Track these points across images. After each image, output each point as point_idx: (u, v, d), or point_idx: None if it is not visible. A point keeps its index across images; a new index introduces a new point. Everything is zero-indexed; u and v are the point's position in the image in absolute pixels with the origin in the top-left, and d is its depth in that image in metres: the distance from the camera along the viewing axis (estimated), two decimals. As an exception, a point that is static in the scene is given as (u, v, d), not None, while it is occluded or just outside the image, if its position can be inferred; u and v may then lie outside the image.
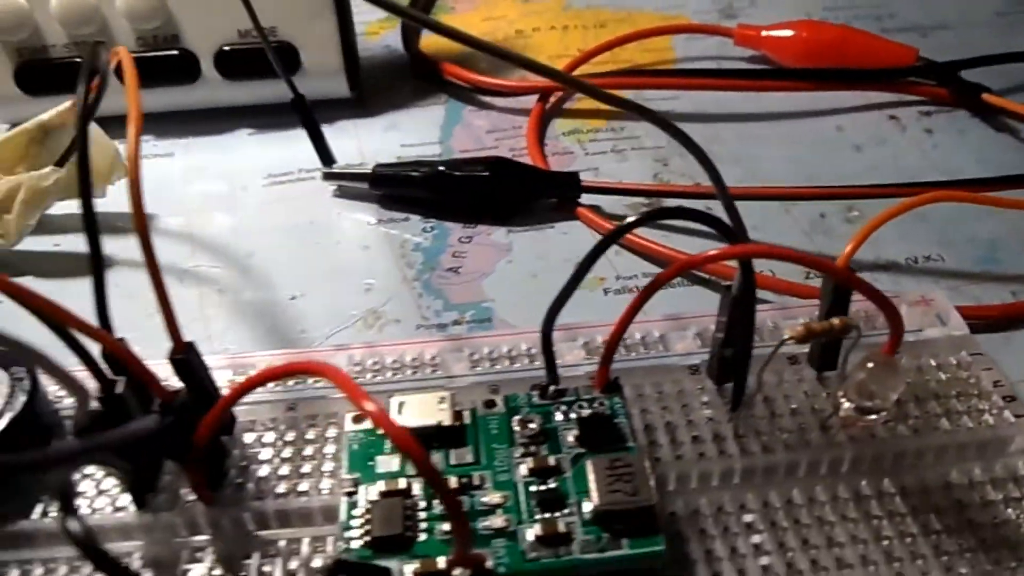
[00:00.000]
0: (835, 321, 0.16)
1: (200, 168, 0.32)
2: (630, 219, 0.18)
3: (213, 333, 0.25)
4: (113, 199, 0.28)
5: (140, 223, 0.17)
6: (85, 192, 0.17)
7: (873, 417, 0.17)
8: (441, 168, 0.28)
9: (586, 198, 0.28)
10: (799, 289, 0.24)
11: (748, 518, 0.17)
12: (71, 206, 0.29)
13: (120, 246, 0.28)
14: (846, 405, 0.17)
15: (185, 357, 0.18)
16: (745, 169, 0.30)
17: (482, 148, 0.32)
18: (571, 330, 0.22)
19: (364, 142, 0.33)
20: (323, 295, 0.26)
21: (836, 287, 0.18)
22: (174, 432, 0.17)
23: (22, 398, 0.19)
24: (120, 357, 0.17)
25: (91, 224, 0.17)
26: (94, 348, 0.17)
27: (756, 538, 0.17)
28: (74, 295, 0.24)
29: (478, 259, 0.27)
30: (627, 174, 0.30)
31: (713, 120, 0.32)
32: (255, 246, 0.28)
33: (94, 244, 0.17)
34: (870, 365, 0.16)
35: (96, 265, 0.17)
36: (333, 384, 0.14)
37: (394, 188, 0.29)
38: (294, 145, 0.32)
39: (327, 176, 0.30)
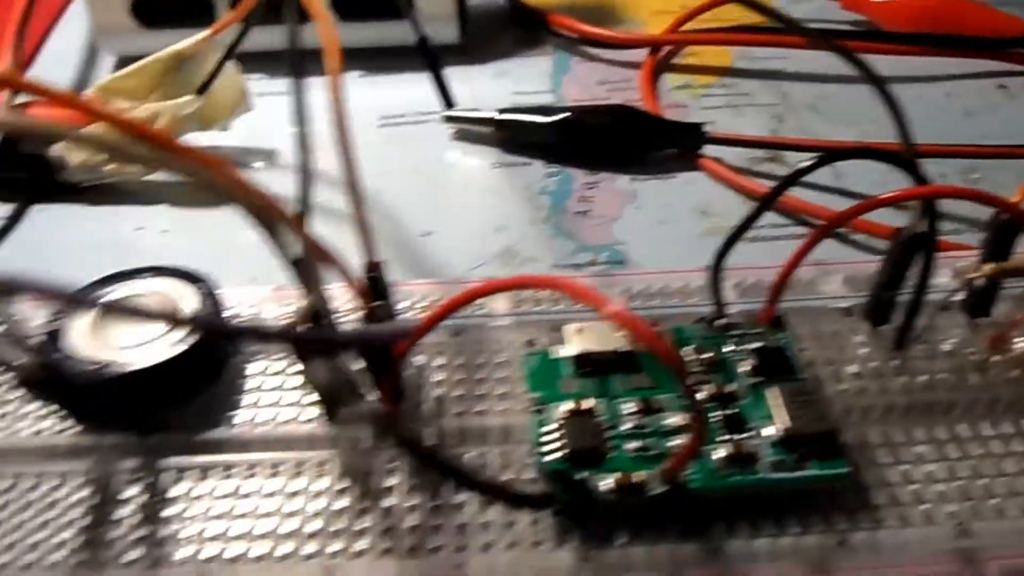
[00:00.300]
0: (1024, 260, 0.17)
1: (313, 107, 0.32)
2: (807, 163, 0.19)
3: (353, 266, 0.25)
4: (234, 134, 0.29)
5: (345, 148, 0.18)
6: (300, 120, 0.18)
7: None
8: (568, 115, 0.28)
9: (707, 150, 0.29)
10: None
11: (918, 449, 0.18)
12: (197, 137, 0.29)
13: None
14: (1020, 344, 0.18)
15: (379, 275, 0.19)
16: (859, 130, 0.30)
17: (594, 99, 0.32)
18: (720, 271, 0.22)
19: (475, 88, 0.33)
20: (454, 233, 0.27)
21: (1004, 227, 0.19)
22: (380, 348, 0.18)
23: (211, 310, 0.20)
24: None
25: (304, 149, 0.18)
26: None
27: (928, 467, 0.18)
28: (208, 225, 0.24)
29: (605, 204, 0.27)
30: (743, 129, 0.30)
31: (821, 81, 0.33)
32: (378, 185, 0.28)
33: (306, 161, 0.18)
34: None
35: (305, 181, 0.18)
36: (568, 294, 0.15)
37: (518, 133, 0.29)
38: (405, 88, 0.33)
39: (449, 119, 0.30)
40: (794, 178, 0.19)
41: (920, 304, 0.19)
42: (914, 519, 0.17)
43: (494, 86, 0.33)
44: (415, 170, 0.29)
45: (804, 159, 0.29)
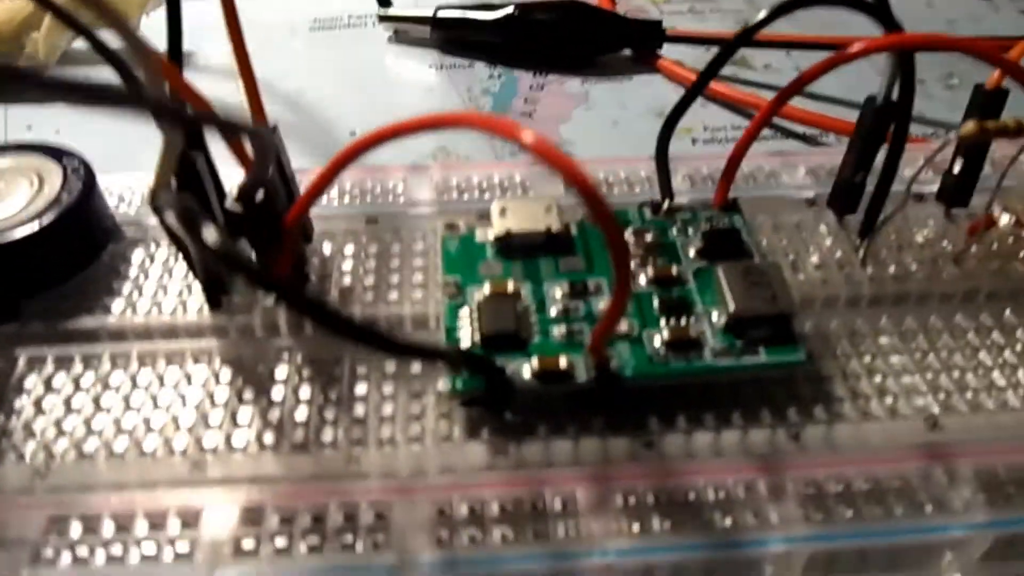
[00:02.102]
0: (1010, 120, 0.15)
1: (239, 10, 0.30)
2: (762, 16, 0.17)
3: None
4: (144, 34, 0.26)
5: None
6: None
7: (1034, 231, 0.16)
8: (512, 11, 0.26)
9: (666, 52, 0.26)
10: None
11: (884, 341, 0.16)
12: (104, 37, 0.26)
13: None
14: (1005, 219, 0.16)
15: (265, 135, 0.16)
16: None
17: None
18: (672, 161, 0.20)
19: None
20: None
21: (990, 93, 0.17)
22: (264, 212, 0.15)
23: (78, 188, 0.17)
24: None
25: None
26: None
27: (895, 359, 0.16)
28: (106, 130, 0.21)
29: (552, 106, 0.25)
30: (706, 34, 0.28)
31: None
32: (306, 87, 0.26)
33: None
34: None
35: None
36: (478, 128, 0.13)
37: (458, 32, 0.27)
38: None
39: (383, 19, 0.28)
40: (748, 35, 0.17)
41: (891, 179, 0.17)
42: (877, 413, 0.15)
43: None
44: (347, 74, 0.27)
45: (772, 61, 0.27)
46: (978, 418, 0.15)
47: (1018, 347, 0.16)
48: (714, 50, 0.26)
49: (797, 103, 0.24)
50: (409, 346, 0.13)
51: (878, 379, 0.15)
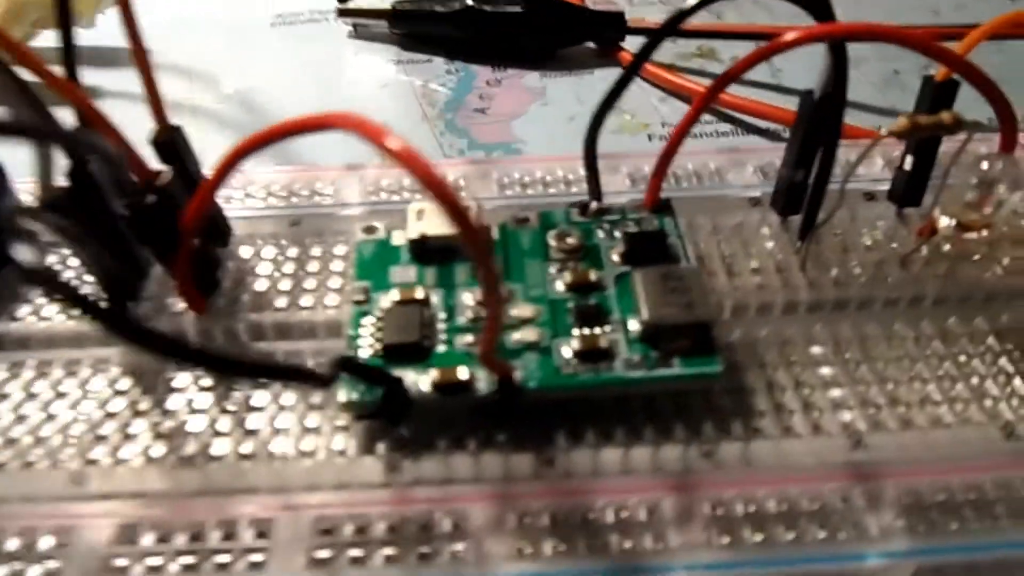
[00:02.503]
0: (945, 115, 0.14)
1: (200, 4, 0.29)
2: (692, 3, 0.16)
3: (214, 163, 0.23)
4: (101, 32, 0.26)
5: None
6: None
7: (975, 235, 0.15)
8: (470, 3, 0.25)
9: (630, 45, 0.25)
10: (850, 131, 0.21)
11: (816, 351, 0.15)
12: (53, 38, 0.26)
13: (108, 79, 0.26)
14: (945, 222, 0.15)
15: (170, 139, 0.16)
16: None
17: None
18: (614, 159, 0.19)
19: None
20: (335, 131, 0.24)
21: (939, 85, 0.15)
22: (159, 216, 0.14)
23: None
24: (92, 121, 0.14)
25: None
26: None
27: (825, 370, 0.15)
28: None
29: (508, 101, 0.24)
30: (675, 26, 0.27)
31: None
32: (263, 83, 0.25)
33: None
34: (988, 165, 0.14)
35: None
36: (353, 132, 0.12)
37: (416, 26, 0.26)
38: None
39: (342, 13, 0.27)
40: (676, 21, 0.16)
41: (826, 177, 0.16)
42: (799, 429, 0.14)
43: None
44: (303, 68, 0.26)
45: (740, 53, 0.26)
46: (907, 436, 0.14)
47: (961, 358, 0.15)
48: (680, 42, 0.26)
49: (766, 97, 0.23)
50: (269, 367, 0.13)
51: (805, 392, 0.14)
